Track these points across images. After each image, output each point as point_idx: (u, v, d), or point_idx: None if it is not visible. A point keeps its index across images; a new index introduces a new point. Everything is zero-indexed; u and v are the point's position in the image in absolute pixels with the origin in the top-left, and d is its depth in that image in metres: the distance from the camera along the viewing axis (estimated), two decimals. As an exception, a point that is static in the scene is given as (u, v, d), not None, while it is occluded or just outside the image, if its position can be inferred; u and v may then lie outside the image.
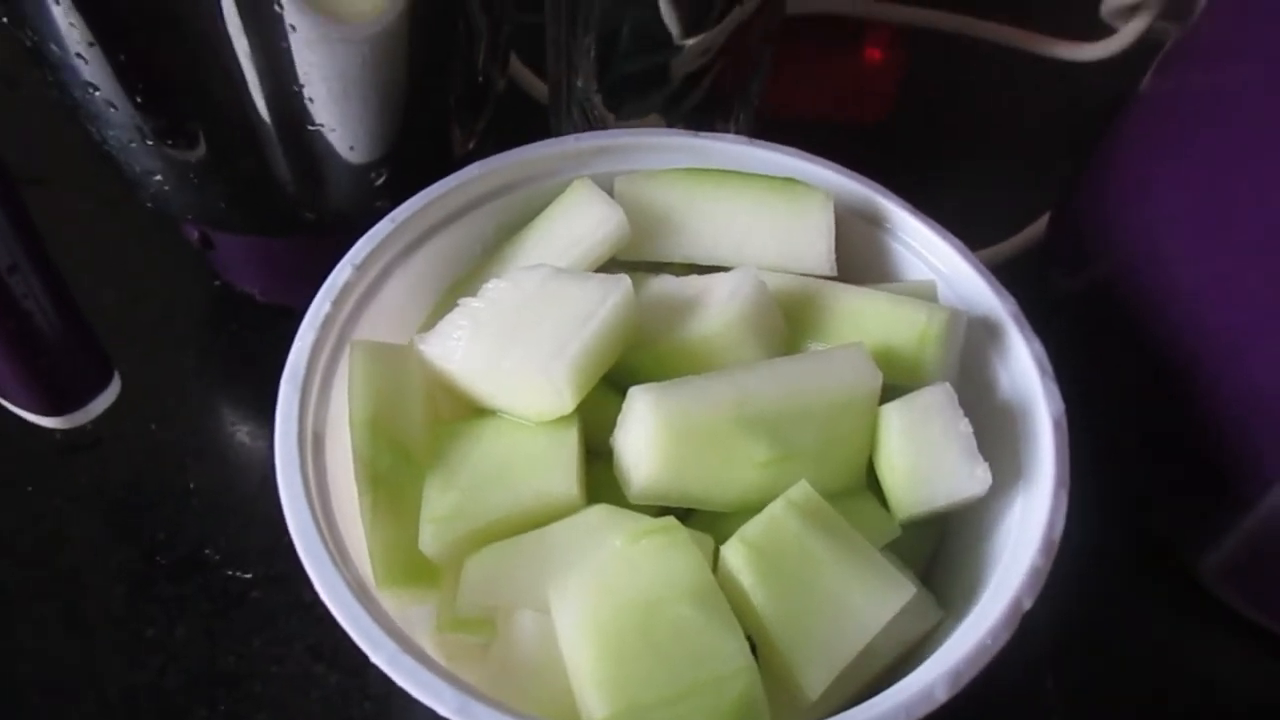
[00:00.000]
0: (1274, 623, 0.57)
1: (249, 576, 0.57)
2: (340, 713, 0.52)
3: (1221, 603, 0.59)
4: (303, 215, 0.59)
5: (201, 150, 0.54)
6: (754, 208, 0.51)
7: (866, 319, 0.47)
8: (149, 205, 0.60)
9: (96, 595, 0.54)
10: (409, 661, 0.35)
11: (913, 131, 0.76)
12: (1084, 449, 0.41)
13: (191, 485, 0.60)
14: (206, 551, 0.57)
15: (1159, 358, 0.54)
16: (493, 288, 0.47)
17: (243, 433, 0.62)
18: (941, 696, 0.36)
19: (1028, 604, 0.40)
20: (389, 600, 0.39)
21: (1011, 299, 0.49)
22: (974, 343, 0.47)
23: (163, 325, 0.66)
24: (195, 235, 0.66)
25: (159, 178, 0.56)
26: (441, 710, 0.36)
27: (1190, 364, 0.53)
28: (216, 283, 0.68)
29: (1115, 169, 0.60)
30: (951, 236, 0.51)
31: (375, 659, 0.37)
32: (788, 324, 0.46)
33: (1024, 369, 0.45)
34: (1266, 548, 0.53)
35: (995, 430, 0.44)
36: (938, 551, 0.51)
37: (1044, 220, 0.72)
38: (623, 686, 0.35)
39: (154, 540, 0.57)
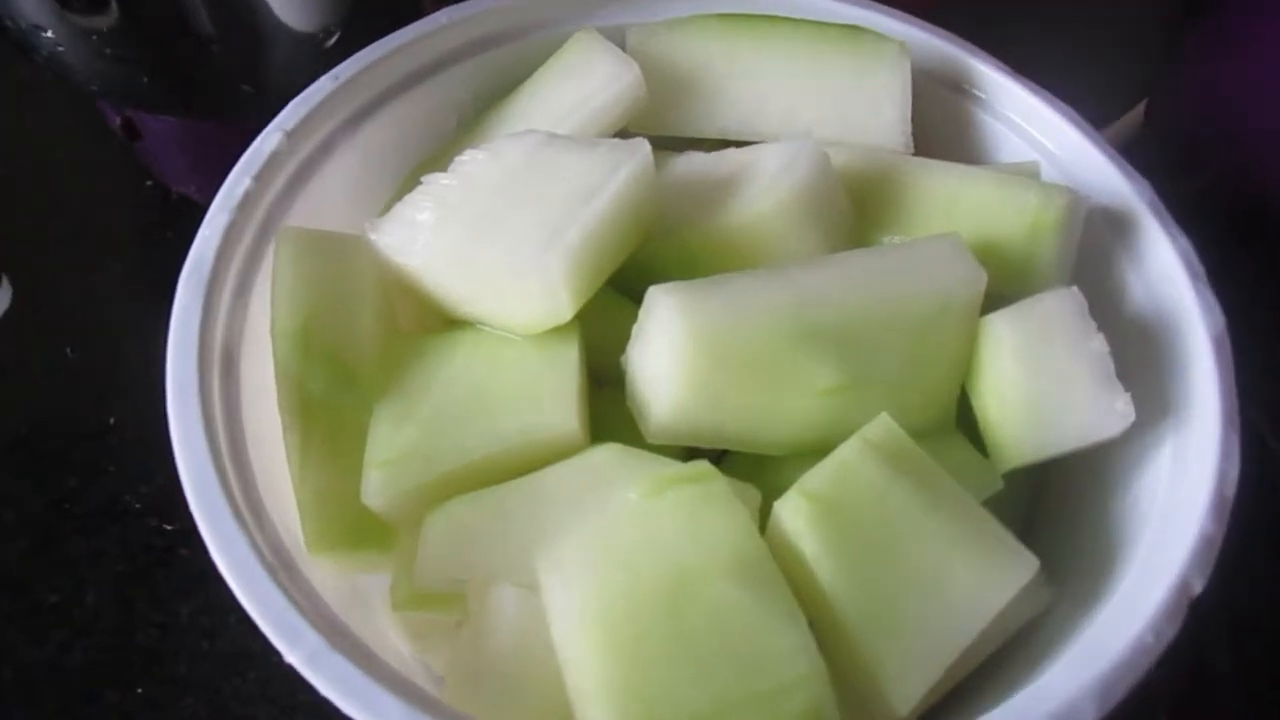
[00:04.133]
0: None
1: (175, 529, 0.49)
2: (282, 700, 0.44)
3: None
4: (239, 89, 0.48)
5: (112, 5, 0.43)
6: (808, 64, 0.40)
7: (961, 204, 0.37)
8: (55, 76, 0.49)
9: (-11, 554, 0.46)
10: (337, 662, 0.26)
11: (968, 16, 0.63)
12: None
13: (112, 421, 0.51)
14: (126, 499, 0.49)
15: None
16: (468, 160, 0.36)
17: (176, 359, 0.51)
18: (1091, 715, 0.28)
19: (1198, 586, 0.30)
20: (328, 570, 0.32)
21: (1146, 184, 0.38)
22: (1093, 241, 0.38)
23: (84, 234, 0.58)
24: (118, 122, 0.55)
25: (62, 47, 0.45)
26: None
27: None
28: (149, 183, 0.60)
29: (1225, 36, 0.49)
30: (1062, 104, 0.41)
31: (290, 656, 0.27)
32: (855, 211, 0.38)
33: (1166, 273, 0.37)
34: None
35: (1126, 353, 0.35)
36: (1033, 509, 0.40)
37: (1139, 110, 0.60)
38: (638, 698, 0.27)
39: (63, 486, 0.49)
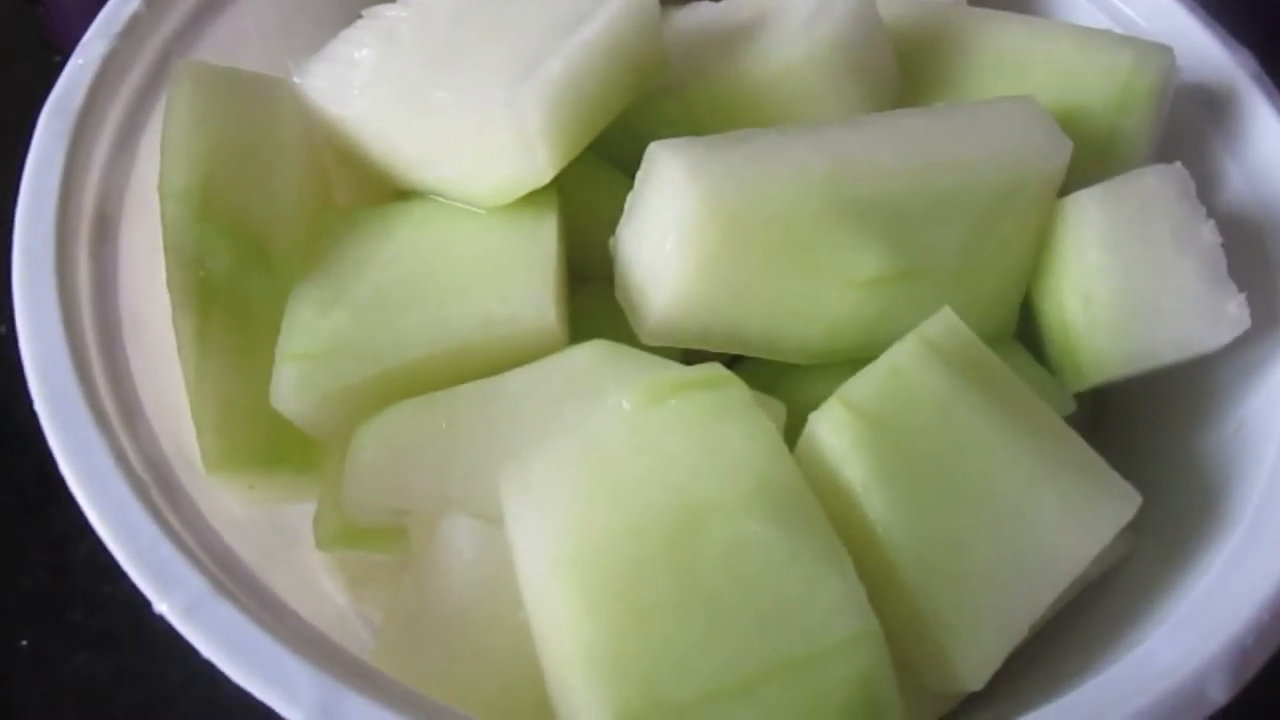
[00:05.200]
0: None
1: None
2: (201, 655, 0.38)
3: None
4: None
5: None
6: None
7: (1033, 66, 0.32)
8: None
9: None
10: (224, 613, 0.21)
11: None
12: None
13: (3, 330, 0.45)
14: (17, 418, 0.41)
15: None
16: None
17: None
18: (1219, 695, 0.22)
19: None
20: (232, 495, 0.27)
21: (1249, 54, 0.33)
22: (1181, 122, 0.34)
23: None
24: (13, -20, 0.48)
25: None
26: (286, 711, 0.20)
27: None
28: (57, 58, 0.50)
29: None
30: (1147, -42, 0.35)
31: (160, 604, 0.22)
32: (902, 75, 0.33)
33: (1273, 157, 0.32)
34: None
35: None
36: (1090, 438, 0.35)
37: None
38: (636, 666, 0.22)
39: None
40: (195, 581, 0.21)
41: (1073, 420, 0.32)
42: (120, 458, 0.23)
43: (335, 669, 0.21)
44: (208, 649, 0.21)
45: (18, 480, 0.42)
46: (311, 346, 0.26)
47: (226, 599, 0.21)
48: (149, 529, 0.21)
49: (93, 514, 0.22)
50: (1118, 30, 0.35)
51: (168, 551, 0.21)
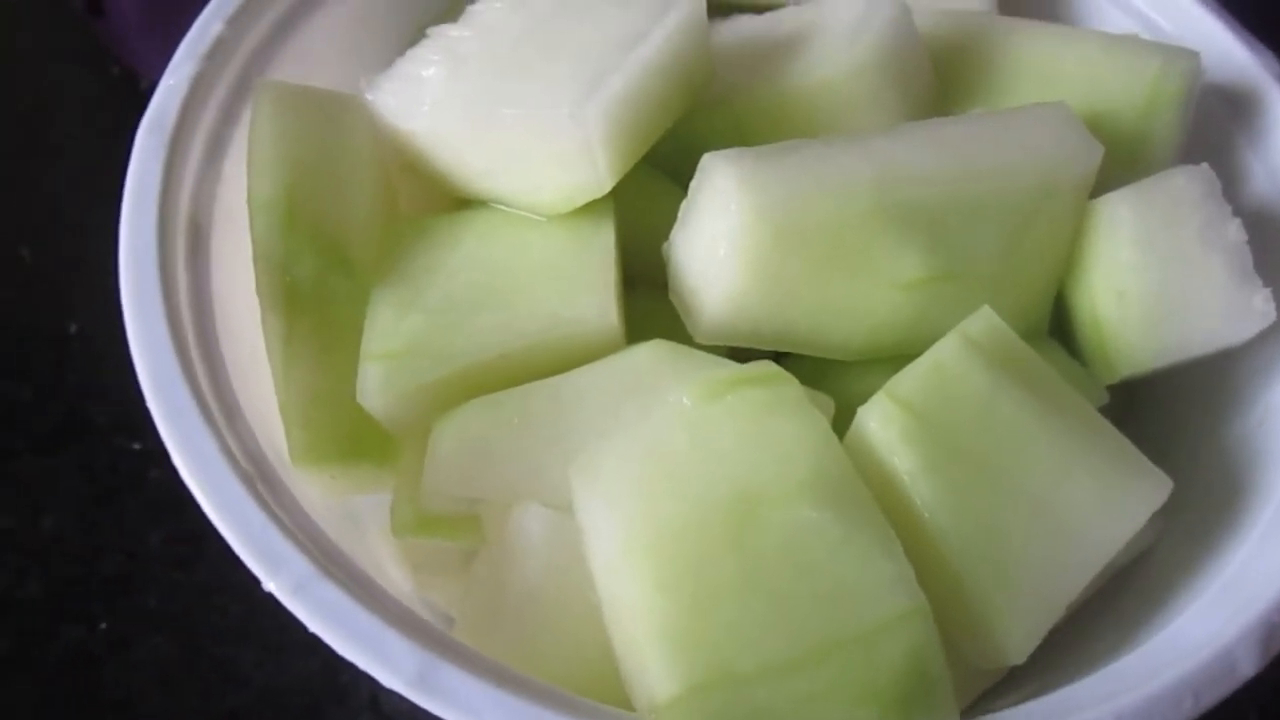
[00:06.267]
0: None
1: (144, 448, 0.44)
2: (268, 638, 0.41)
3: None
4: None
5: None
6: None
7: (1062, 72, 0.33)
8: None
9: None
10: (330, 593, 0.22)
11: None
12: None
13: (74, 329, 0.47)
14: (89, 413, 0.45)
15: None
16: (484, 8, 0.32)
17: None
18: (1248, 669, 0.23)
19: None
20: (315, 485, 0.28)
21: (1272, 56, 0.34)
22: (1205, 121, 0.34)
23: (42, 124, 0.53)
24: (77, -10, 0.50)
25: None
26: (388, 680, 0.21)
27: None
28: (115, 69, 0.55)
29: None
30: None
31: (270, 583, 0.23)
32: (940, 82, 0.34)
33: None
34: None
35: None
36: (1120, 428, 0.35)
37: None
38: (702, 644, 0.23)
39: (17, 399, 0.45)
40: (300, 563, 0.23)
41: (1104, 411, 0.34)
42: (225, 450, 0.24)
43: (429, 643, 0.22)
44: (314, 624, 0.22)
45: (95, 471, 0.44)
46: (392, 347, 0.28)
47: (329, 579, 0.23)
48: (258, 515, 0.23)
49: (205, 502, 0.23)
50: (1144, 35, 0.36)
51: (275, 536, 0.23)
